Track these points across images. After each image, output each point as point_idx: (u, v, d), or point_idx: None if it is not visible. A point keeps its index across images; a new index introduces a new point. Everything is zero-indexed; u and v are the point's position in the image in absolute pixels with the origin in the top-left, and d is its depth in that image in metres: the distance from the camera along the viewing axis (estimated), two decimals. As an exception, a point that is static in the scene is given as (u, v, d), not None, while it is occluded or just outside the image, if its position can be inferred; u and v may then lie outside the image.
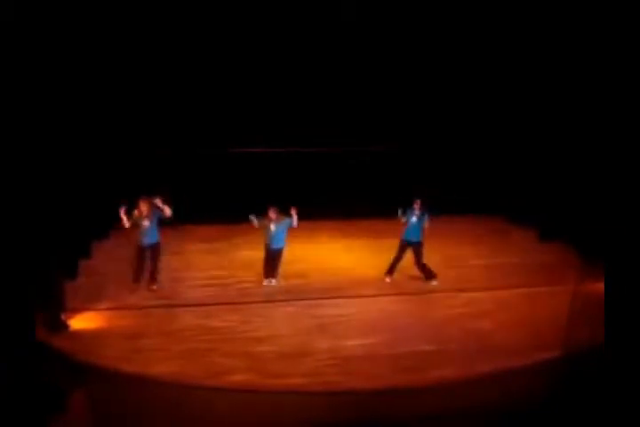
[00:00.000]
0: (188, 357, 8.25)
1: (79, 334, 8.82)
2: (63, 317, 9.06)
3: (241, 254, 12.11)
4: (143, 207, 10.23)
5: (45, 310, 8.81)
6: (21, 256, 7.94)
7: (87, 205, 11.44)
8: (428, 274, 11.01)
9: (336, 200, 13.78)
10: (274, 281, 10.85)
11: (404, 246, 11.02)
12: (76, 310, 9.43)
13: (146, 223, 10.30)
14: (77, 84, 10.67)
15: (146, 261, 10.62)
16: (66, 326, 8.94)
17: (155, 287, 10.59)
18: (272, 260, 10.82)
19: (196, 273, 11.20)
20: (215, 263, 11.60)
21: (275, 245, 10.70)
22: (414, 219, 10.74)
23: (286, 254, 11.23)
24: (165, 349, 8.47)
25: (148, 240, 10.46)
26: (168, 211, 10.23)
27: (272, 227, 10.53)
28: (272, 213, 10.51)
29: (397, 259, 11.06)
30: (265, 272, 10.88)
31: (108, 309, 9.71)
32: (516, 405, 6.78)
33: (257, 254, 11.10)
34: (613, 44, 8.41)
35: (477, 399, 7.05)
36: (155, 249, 10.61)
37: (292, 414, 6.86)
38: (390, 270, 11.10)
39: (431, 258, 11.84)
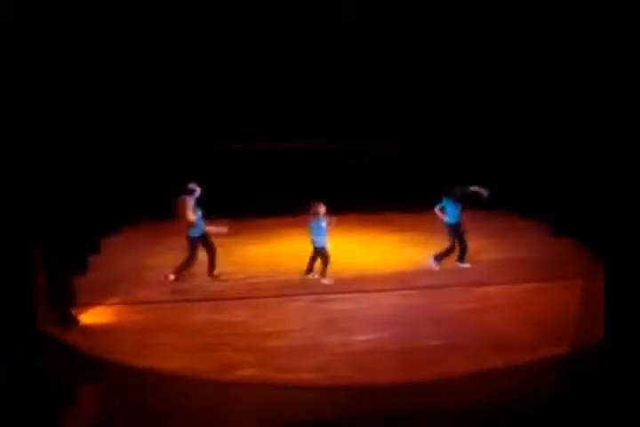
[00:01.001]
0: (199, 351, 8.26)
1: (90, 329, 8.86)
2: (74, 312, 9.10)
3: (251, 249, 12.12)
4: (188, 202, 10.44)
5: (56, 305, 8.85)
6: (31, 252, 7.99)
7: (97, 201, 11.50)
8: (462, 256, 11.37)
9: (347, 195, 13.77)
10: (325, 280, 10.83)
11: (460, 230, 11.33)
12: (87, 306, 9.48)
13: (192, 217, 10.46)
14: (80, 84, 10.69)
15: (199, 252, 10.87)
16: (76, 322, 8.98)
17: (214, 274, 10.86)
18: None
19: (206, 268, 11.21)
20: (225, 258, 11.59)
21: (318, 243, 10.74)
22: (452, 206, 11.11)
23: (296, 249, 11.26)
24: (175, 343, 8.48)
25: (195, 232, 10.63)
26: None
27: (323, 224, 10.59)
28: (320, 209, 10.53)
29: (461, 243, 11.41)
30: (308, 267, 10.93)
31: (118, 304, 9.76)
32: (525, 400, 6.75)
33: (267, 249, 11.12)
34: (620, 38, 8.36)
35: (486, 395, 7.02)
36: (204, 240, 10.80)
37: (301, 409, 6.86)
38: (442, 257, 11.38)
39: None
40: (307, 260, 11.32)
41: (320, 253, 10.81)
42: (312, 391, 7.42)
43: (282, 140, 13.33)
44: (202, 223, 10.68)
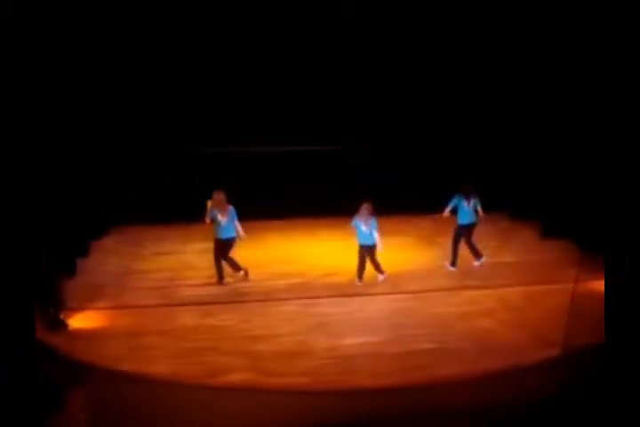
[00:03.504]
0: (187, 356, 8.21)
1: (78, 333, 8.79)
2: (62, 316, 9.02)
3: (239, 254, 12.03)
4: (217, 199, 10.36)
5: (44, 308, 8.78)
6: (19, 255, 7.89)
7: (85, 204, 11.42)
8: (476, 253, 11.45)
9: (336, 198, 13.72)
10: (381, 277, 10.79)
11: (460, 233, 11.34)
12: (75, 309, 9.40)
13: (222, 218, 10.39)
14: (74, 84, 10.64)
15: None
16: (65, 325, 8.90)
17: (242, 273, 10.82)
18: (369, 258, 10.72)
19: (194, 272, 11.16)
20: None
21: (369, 242, 10.59)
22: (465, 204, 11.13)
23: (286, 252, 11.17)
24: (164, 348, 8.43)
25: (226, 235, 10.54)
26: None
27: (363, 228, 10.44)
28: (364, 212, 10.42)
29: (470, 244, 11.49)
30: (358, 272, 10.76)
31: (106, 308, 9.68)
32: (518, 403, 6.74)
33: (255, 253, 11.06)
34: (614, 42, 8.38)
35: (479, 398, 7.01)
36: (229, 244, 10.69)
37: (291, 414, 6.82)
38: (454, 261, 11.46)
39: (433, 256, 11.87)
40: (296, 263, 11.35)
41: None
42: (302, 396, 7.38)
43: (277, 142, 13.29)
44: (224, 227, 10.53)
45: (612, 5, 7.29)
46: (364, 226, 10.43)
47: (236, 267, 10.84)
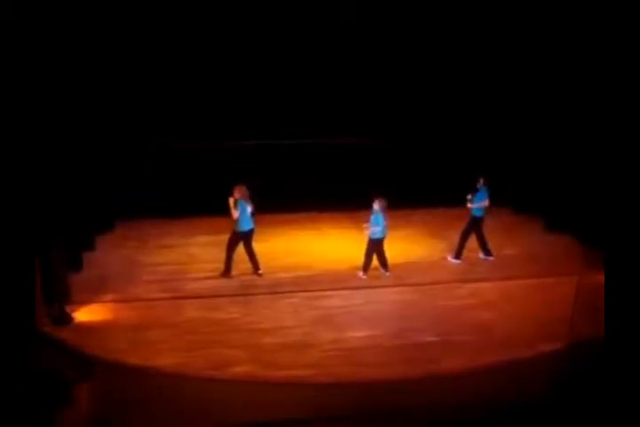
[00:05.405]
0: (193, 348, 8.27)
1: (84, 327, 8.85)
2: (68, 309, 9.09)
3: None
4: (242, 192, 10.40)
5: (50, 302, 8.84)
6: (25, 249, 7.96)
7: (91, 198, 11.46)
8: (487, 250, 11.57)
9: (341, 192, 13.75)
10: (386, 273, 10.86)
11: (475, 226, 11.45)
12: (81, 303, 9.46)
13: (249, 208, 10.47)
14: (79, 79, 10.67)
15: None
16: (71, 319, 8.96)
17: (261, 272, 10.82)
18: (377, 252, 10.82)
19: (200, 265, 11.20)
20: (219, 255, 11.52)
21: (381, 235, 10.69)
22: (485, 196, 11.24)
23: (291, 246, 11.22)
24: (170, 341, 8.49)
25: (248, 226, 10.61)
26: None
27: (386, 222, 10.54)
28: (381, 207, 10.47)
29: (482, 237, 11.54)
30: (365, 266, 10.80)
31: (112, 301, 9.73)
32: (521, 396, 6.77)
33: (260, 246, 11.07)
34: (615, 40, 8.39)
35: (481, 391, 7.05)
36: (251, 236, 10.75)
37: (296, 406, 6.87)
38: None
39: (436, 249, 11.89)
40: (301, 256, 11.40)
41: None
42: (307, 388, 7.43)
43: (278, 137, 13.33)
44: (245, 220, 10.57)
45: (613, 5, 7.31)
46: (386, 220, 10.51)
47: (257, 265, 10.87)
